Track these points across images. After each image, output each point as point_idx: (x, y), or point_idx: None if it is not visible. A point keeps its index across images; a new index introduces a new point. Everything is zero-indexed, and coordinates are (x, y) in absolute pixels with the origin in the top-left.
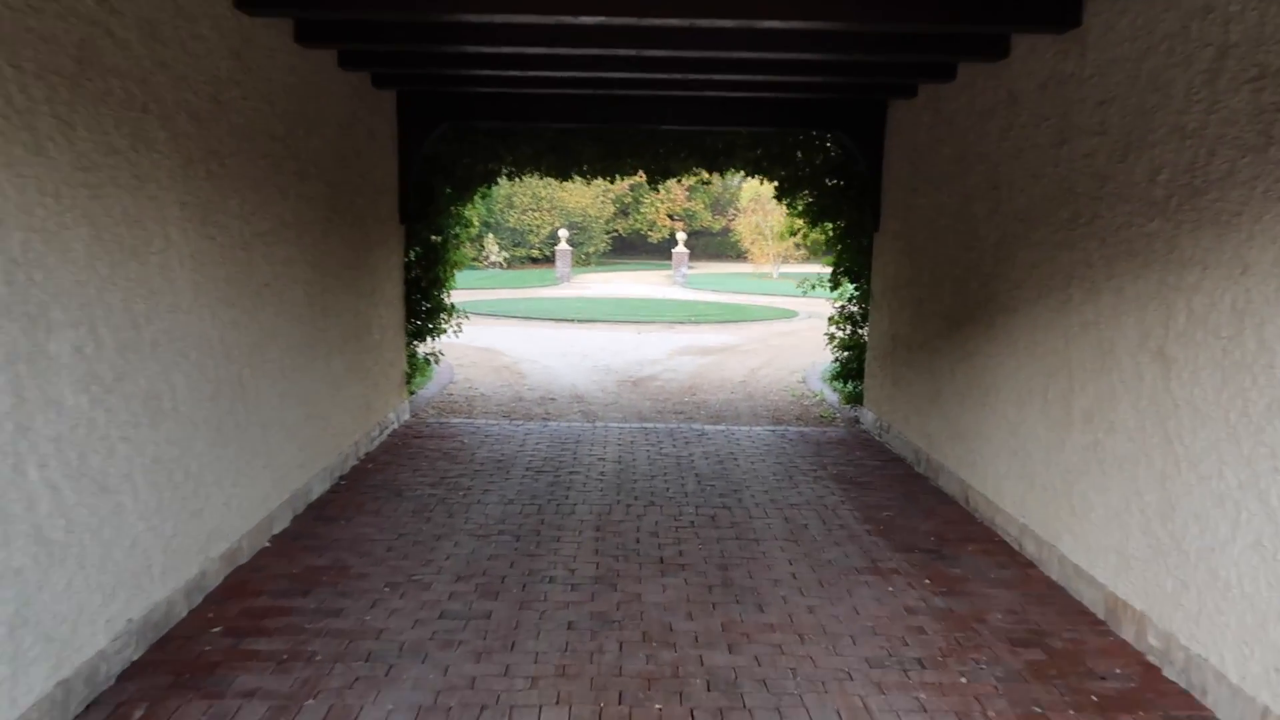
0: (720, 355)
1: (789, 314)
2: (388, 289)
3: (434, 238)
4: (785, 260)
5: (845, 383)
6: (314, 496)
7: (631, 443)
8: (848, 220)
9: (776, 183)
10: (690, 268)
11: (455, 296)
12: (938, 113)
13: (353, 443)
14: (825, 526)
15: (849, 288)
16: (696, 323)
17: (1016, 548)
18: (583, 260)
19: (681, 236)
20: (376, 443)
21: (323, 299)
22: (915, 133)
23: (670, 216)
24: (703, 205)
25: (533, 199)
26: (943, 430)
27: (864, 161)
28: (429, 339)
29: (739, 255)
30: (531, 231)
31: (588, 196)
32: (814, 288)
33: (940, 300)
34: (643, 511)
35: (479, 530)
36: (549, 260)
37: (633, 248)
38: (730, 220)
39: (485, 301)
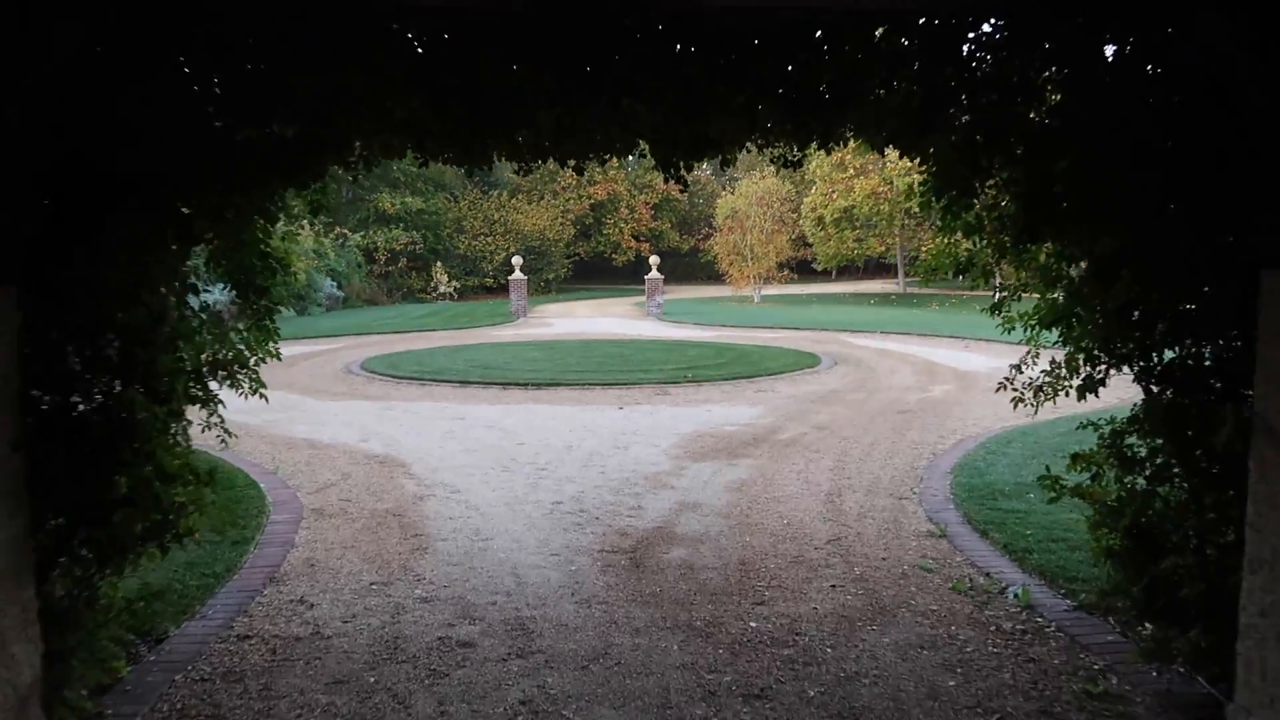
0: (758, 457)
1: (809, 360)
2: None
3: (130, 316)
4: (767, 282)
5: (1144, 613)
6: None
7: None
8: (1143, 234)
9: (926, 164)
10: (665, 293)
11: (380, 350)
12: None
13: None
14: None
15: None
16: (696, 381)
17: None
18: (541, 288)
19: (655, 261)
20: None
21: None
22: None
23: (635, 237)
24: (670, 225)
25: (484, 223)
26: None
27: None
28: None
29: (711, 277)
30: (484, 258)
31: (545, 218)
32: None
33: None
34: None
35: None
36: (504, 289)
37: (596, 271)
38: (700, 240)
39: (414, 355)
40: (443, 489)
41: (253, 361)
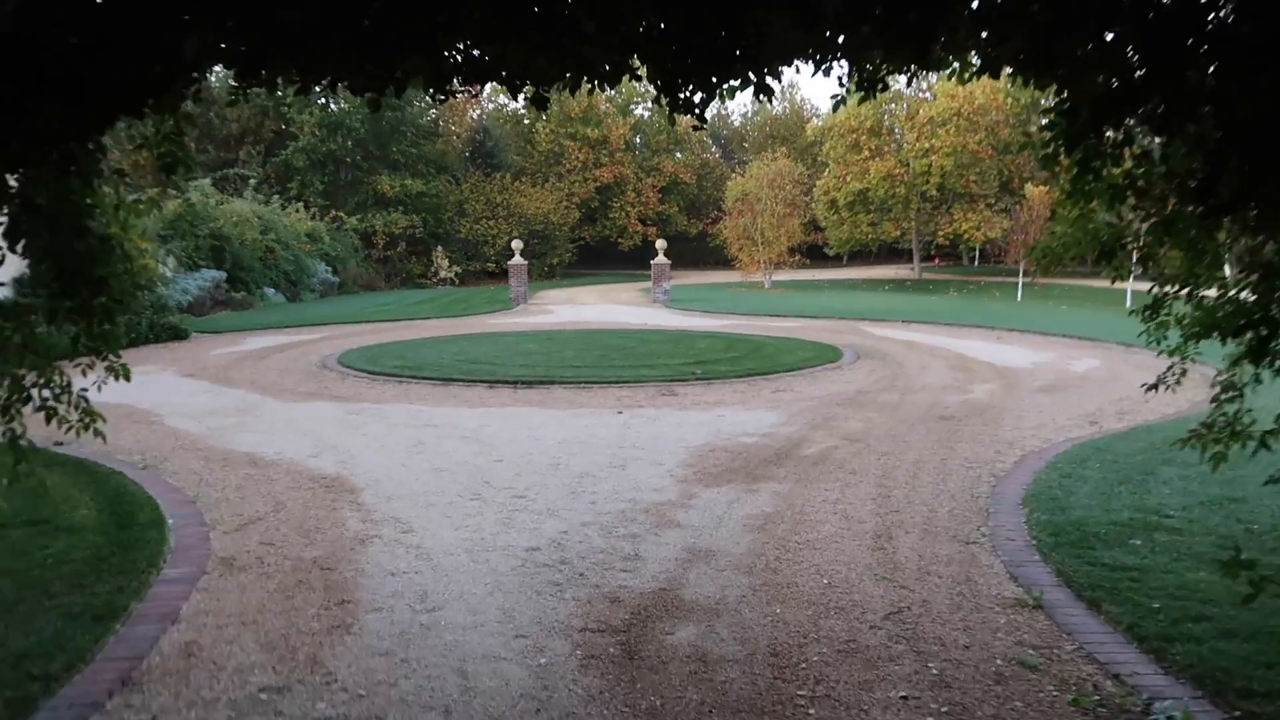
0: (783, 480)
1: (830, 354)
2: None
3: None
4: (778, 267)
5: None
6: None
7: None
8: None
9: (1058, 92)
10: (671, 279)
11: (366, 340)
12: None
13: None
14: None
15: None
16: (706, 379)
17: None
18: (545, 273)
19: (661, 245)
20: None
21: None
22: None
23: (642, 221)
24: (678, 208)
25: (486, 206)
26: None
27: None
28: None
29: (720, 262)
30: (486, 242)
31: (549, 201)
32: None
33: None
34: None
35: None
36: (507, 275)
37: (601, 257)
38: (709, 224)
39: (400, 347)
40: (392, 526)
41: (93, 380)
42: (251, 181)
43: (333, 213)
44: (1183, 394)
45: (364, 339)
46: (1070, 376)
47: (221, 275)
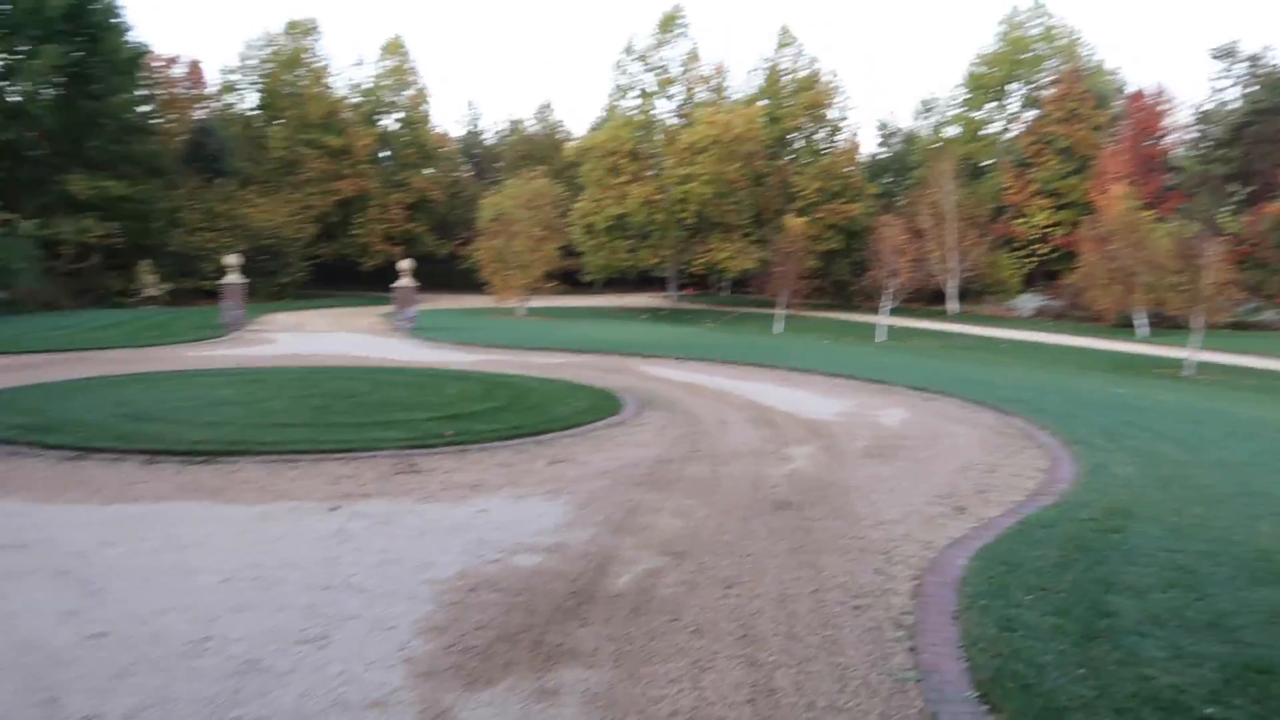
0: (592, 659)
1: (608, 403)
2: None
3: None
4: (534, 293)
5: None
6: None
7: None
8: None
9: None
10: (418, 303)
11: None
12: None
13: None
14: None
15: None
16: (460, 443)
17: None
18: (274, 293)
19: (406, 265)
20: None
21: None
22: None
23: (387, 240)
24: (427, 227)
25: (205, 216)
26: None
27: None
28: None
29: (471, 286)
30: (203, 257)
31: (282, 213)
32: None
33: None
34: None
35: None
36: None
37: (340, 277)
38: (460, 245)
39: (35, 392)
40: None
41: None
42: None
43: (3, 216)
44: (1029, 459)
45: (3, 378)
46: (887, 434)
47: None
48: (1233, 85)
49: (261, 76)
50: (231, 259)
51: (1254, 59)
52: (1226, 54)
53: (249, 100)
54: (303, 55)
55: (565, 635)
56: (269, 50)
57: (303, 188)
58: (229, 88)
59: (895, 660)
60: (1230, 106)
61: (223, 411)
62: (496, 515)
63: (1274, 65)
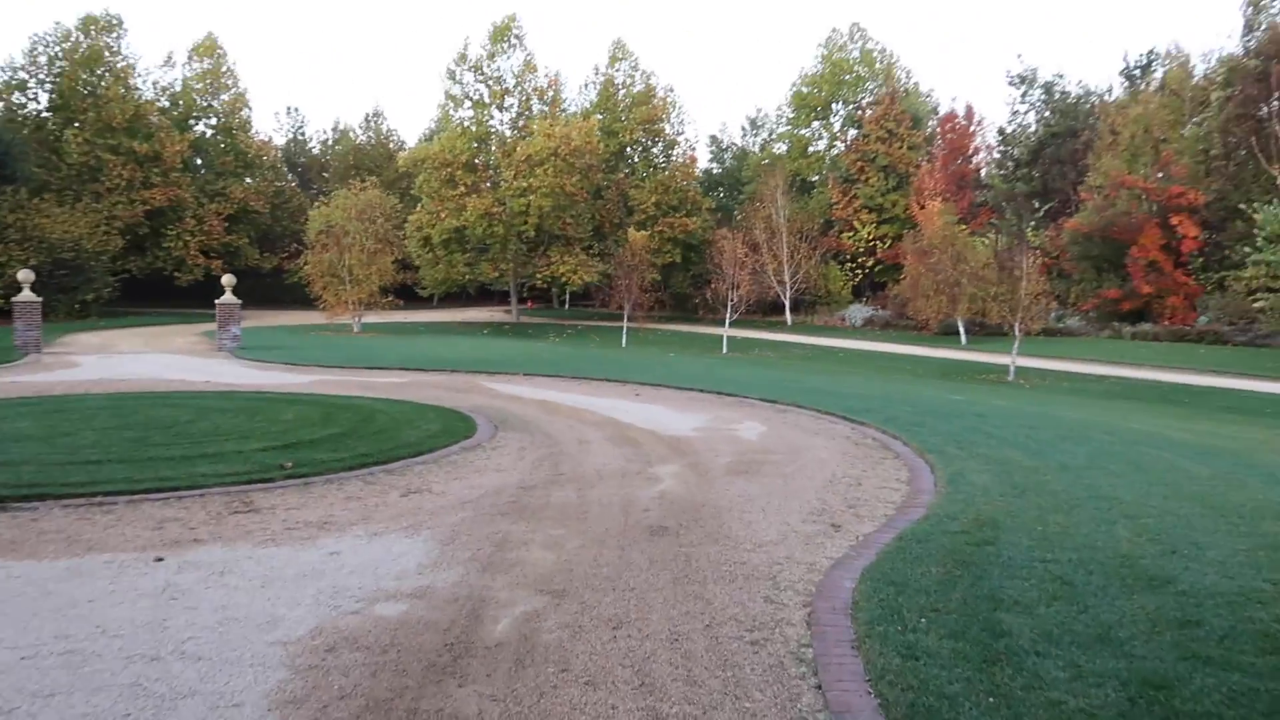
0: None
1: (462, 425)
2: None
3: None
4: (369, 308)
5: None
6: None
7: None
8: None
9: None
10: (242, 320)
11: None
12: None
13: None
14: None
15: None
16: (303, 475)
17: None
18: (75, 311)
19: (229, 281)
20: None
21: None
22: None
23: (205, 253)
24: (248, 240)
25: None
26: None
27: None
28: None
29: (299, 302)
30: None
31: (83, 224)
32: None
33: None
34: None
35: None
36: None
37: (153, 293)
38: (286, 259)
39: None
40: None
41: None
42: None
43: None
44: (889, 470)
45: None
46: (748, 449)
47: None
48: (1028, 111)
49: (54, 75)
50: (24, 274)
51: (1048, 86)
52: (1023, 80)
53: (41, 100)
54: (104, 53)
55: (444, 698)
56: (62, 47)
57: (106, 196)
58: (17, 86)
59: (804, 701)
60: (1030, 129)
61: (18, 448)
62: (350, 557)
63: (1065, 92)
